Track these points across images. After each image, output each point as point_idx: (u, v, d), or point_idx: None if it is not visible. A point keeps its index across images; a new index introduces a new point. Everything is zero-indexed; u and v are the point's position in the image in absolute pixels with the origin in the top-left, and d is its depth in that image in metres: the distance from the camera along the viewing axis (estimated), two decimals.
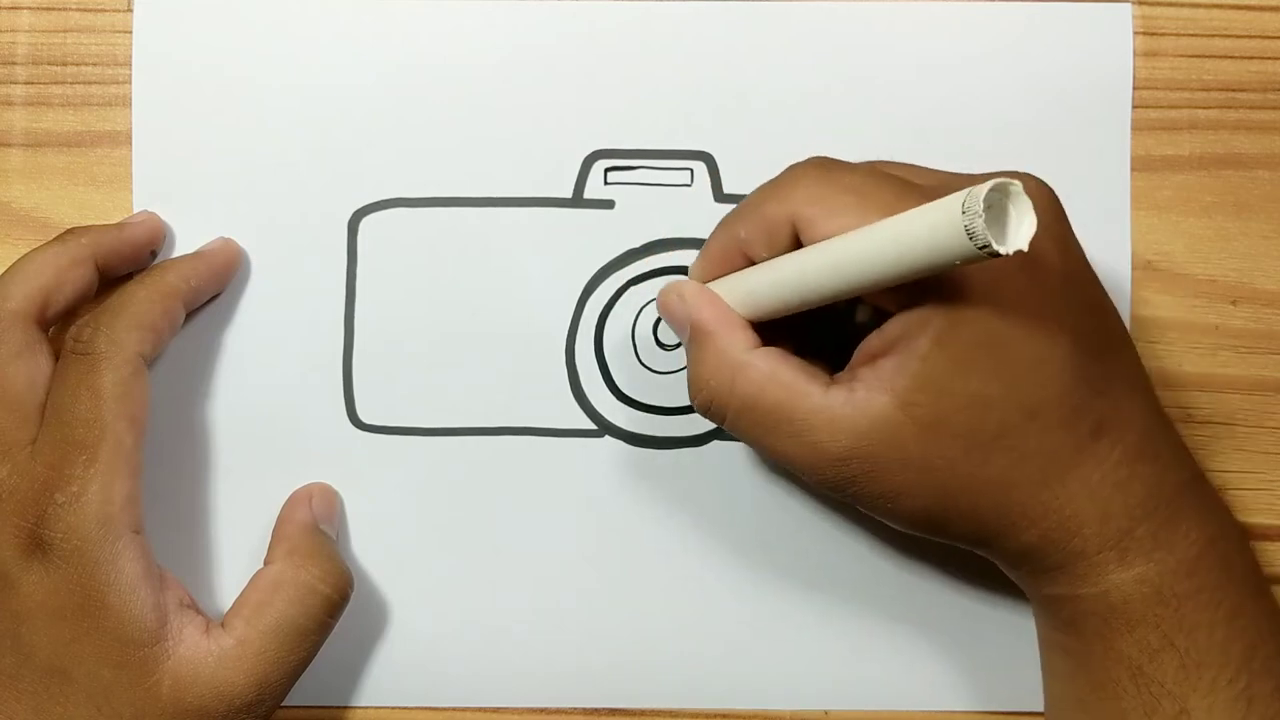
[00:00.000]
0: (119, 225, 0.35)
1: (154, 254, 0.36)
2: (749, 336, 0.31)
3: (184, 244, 0.37)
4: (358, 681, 0.37)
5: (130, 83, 0.37)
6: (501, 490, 0.37)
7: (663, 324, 0.37)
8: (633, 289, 0.37)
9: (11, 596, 0.31)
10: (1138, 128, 0.37)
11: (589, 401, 0.37)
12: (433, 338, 0.37)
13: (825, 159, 0.31)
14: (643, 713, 0.37)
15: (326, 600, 0.33)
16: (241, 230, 0.37)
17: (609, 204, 0.37)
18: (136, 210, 0.36)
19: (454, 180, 0.37)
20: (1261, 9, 0.37)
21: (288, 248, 0.37)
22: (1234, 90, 0.37)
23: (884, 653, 0.37)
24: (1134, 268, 0.37)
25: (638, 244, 0.37)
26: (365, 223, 0.37)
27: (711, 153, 0.37)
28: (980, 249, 0.23)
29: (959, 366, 0.28)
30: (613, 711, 0.37)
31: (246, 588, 0.33)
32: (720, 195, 0.37)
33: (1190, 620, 0.29)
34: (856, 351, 0.30)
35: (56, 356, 0.33)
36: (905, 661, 0.37)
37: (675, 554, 0.37)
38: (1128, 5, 0.37)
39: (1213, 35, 0.37)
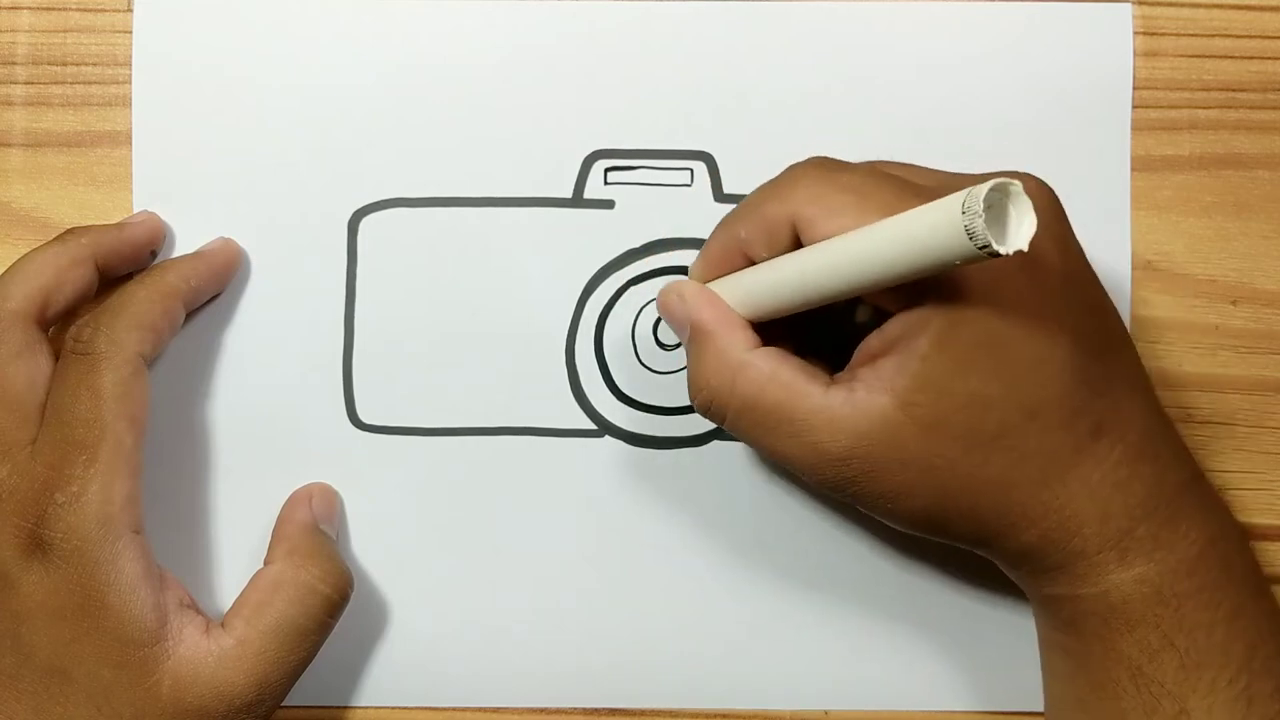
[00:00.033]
0: (119, 225, 0.35)
1: (154, 254, 0.36)
2: (749, 336, 0.31)
3: (184, 244, 0.37)
4: (358, 681, 0.37)
5: (130, 83, 0.37)
6: (501, 490, 0.37)
7: (663, 324, 0.37)
8: (633, 289, 0.37)
9: (11, 596, 0.31)
10: (1138, 128, 0.37)
11: (589, 401, 0.37)
12: (433, 338, 0.37)
13: (825, 159, 0.31)
14: (643, 713, 0.37)
15: (326, 600, 0.33)
16: (241, 230, 0.37)
17: (609, 204, 0.37)
18: (136, 210, 0.37)
19: (454, 180, 0.37)
20: (1261, 9, 0.37)
21: (288, 248, 0.37)
22: (1234, 90, 0.37)
23: (884, 653, 0.37)
24: (1134, 268, 0.37)
25: (638, 244, 0.37)
26: (365, 223, 0.37)
27: (711, 153, 0.37)
28: (980, 249, 0.23)
29: (959, 367, 0.28)
30: (613, 711, 0.37)
31: (246, 588, 0.33)
32: (720, 195, 0.37)
33: (1190, 620, 0.29)
34: (856, 351, 0.30)
35: (56, 356, 0.33)
36: (905, 661, 0.37)
37: (675, 554, 0.37)
38: (1128, 5, 0.37)
39: (1213, 35, 0.37)
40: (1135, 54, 0.37)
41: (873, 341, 0.29)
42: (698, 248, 0.34)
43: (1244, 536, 0.32)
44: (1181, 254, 0.37)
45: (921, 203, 0.26)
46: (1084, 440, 0.29)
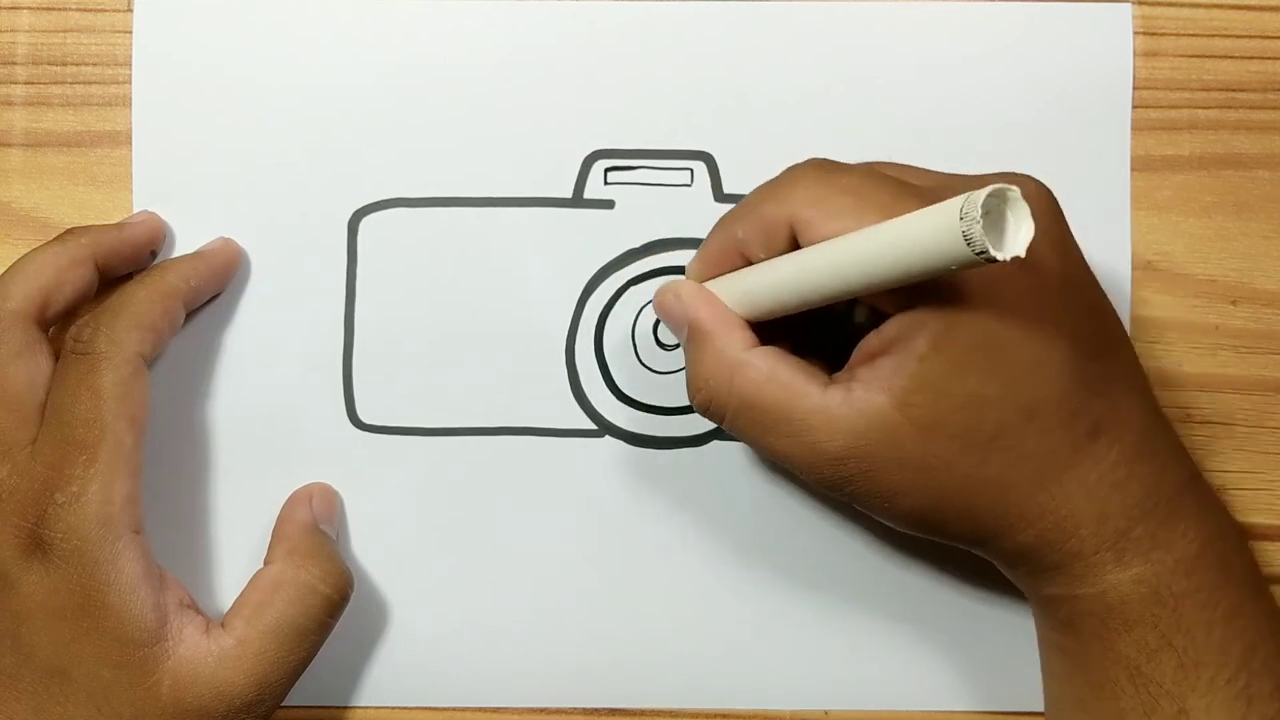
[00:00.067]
0: (119, 225, 0.35)
1: (154, 254, 0.36)
2: (747, 336, 0.31)
3: (184, 244, 0.37)
4: (358, 681, 0.37)
5: (130, 83, 0.37)
6: (501, 490, 0.37)
7: (663, 324, 0.37)
8: (633, 289, 0.37)
9: (11, 596, 0.31)
10: (1138, 128, 0.37)
11: (589, 401, 0.37)
12: (433, 338, 0.37)
13: (824, 160, 0.31)
14: (643, 713, 0.37)
15: (326, 600, 0.33)
16: (241, 230, 0.37)
17: (609, 204, 0.37)
18: (136, 210, 0.37)
19: (454, 180, 0.37)
20: (1261, 9, 0.37)
21: (288, 248, 0.37)
22: (1234, 90, 0.37)
23: (884, 653, 0.37)
24: (1134, 268, 0.37)
25: (638, 244, 0.37)
26: (365, 223, 0.37)
27: (711, 153, 0.37)
28: (978, 255, 0.23)
29: (956, 368, 0.28)
30: (613, 711, 0.37)
31: (246, 588, 0.33)
32: (720, 195, 0.37)
33: (1188, 620, 0.29)
34: (855, 351, 0.30)
35: (56, 356, 0.33)
36: (905, 661, 0.37)
37: (675, 554, 0.37)
38: (1128, 5, 0.37)
39: (1213, 35, 0.37)
40: (1135, 54, 0.37)
41: (871, 341, 0.29)
42: (698, 248, 0.34)
43: (1242, 536, 0.32)
44: (1181, 254, 0.37)
45: (920, 204, 0.26)
46: (1081, 441, 0.29)
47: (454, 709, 0.37)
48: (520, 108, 0.37)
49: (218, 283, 0.36)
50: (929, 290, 0.28)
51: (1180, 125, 0.37)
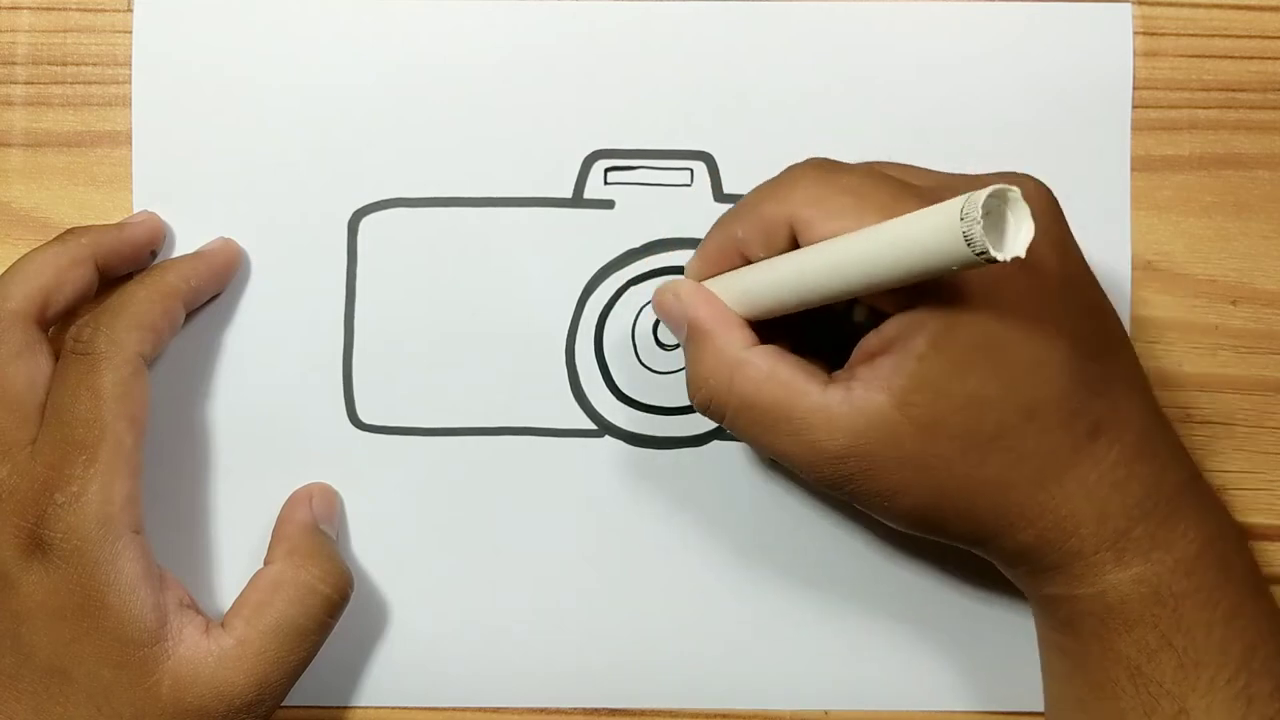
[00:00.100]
0: (119, 225, 0.35)
1: (154, 254, 0.36)
2: (746, 335, 0.31)
3: (184, 244, 0.37)
4: (358, 681, 0.37)
5: (130, 83, 0.37)
6: (501, 490, 0.37)
7: (663, 324, 0.37)
8: (633, 289, 0.37)
9: (11, 596, 0.31)
10: (1138, 128, 0.37)
11: (589, 401, 0.37)
12: (433, 338, 0.37)
13: (824, 160, 0.31)
14: (643, 713, 0.37)
15: (326, 600, 0.33)
16: (241, 230, 0.37)
17: (609, 204, 0.37)
18: (136, 210, 0.37)
19: (454, 180, 0.37)
20: (1261, 9, 0.37)
21: (288, 248, 0.37)
22: (1234, 90, 0.37)
23: (884, 653, 0.37)
24: (1134, 268, 0.37)
25: (638, 244, 0.37)
26: (365, 223, 0.37)
27: (711, 153, 0.37)
28: (978, 255, 0.23)
29: (956, 367, 0.28)
30: (613, 711, 0.37)
31: (246, 588, 0.33)
32: (720, 195, 0.37)
33: (1188, 620, 0.29)
34: (855, 350, 0.30)
35: (56, 356, 0.33)
36: (905, 661, 0.37)
37: (675, 554, 0.37)
38: (1128, 5, 0.37)
39: (1213, 35, 0.37)
40: (1135, 54, 0.37)
41: (871, 340, 0.29)
42: (697, 247, 0.34)
43: (1242, 536, 0.32)
44: (1181, 254, 0.37)
45: (920, 204, 0.26)
46: (1081, 441, 0.29)
47: (454, 709, 0.37)
48: (520, 108, 0.37)
49: (218, 283, 0.36)
50: (929, 290, 0.28)
51: (1180, 125, 0.37)
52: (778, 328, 0.31)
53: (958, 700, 0.37)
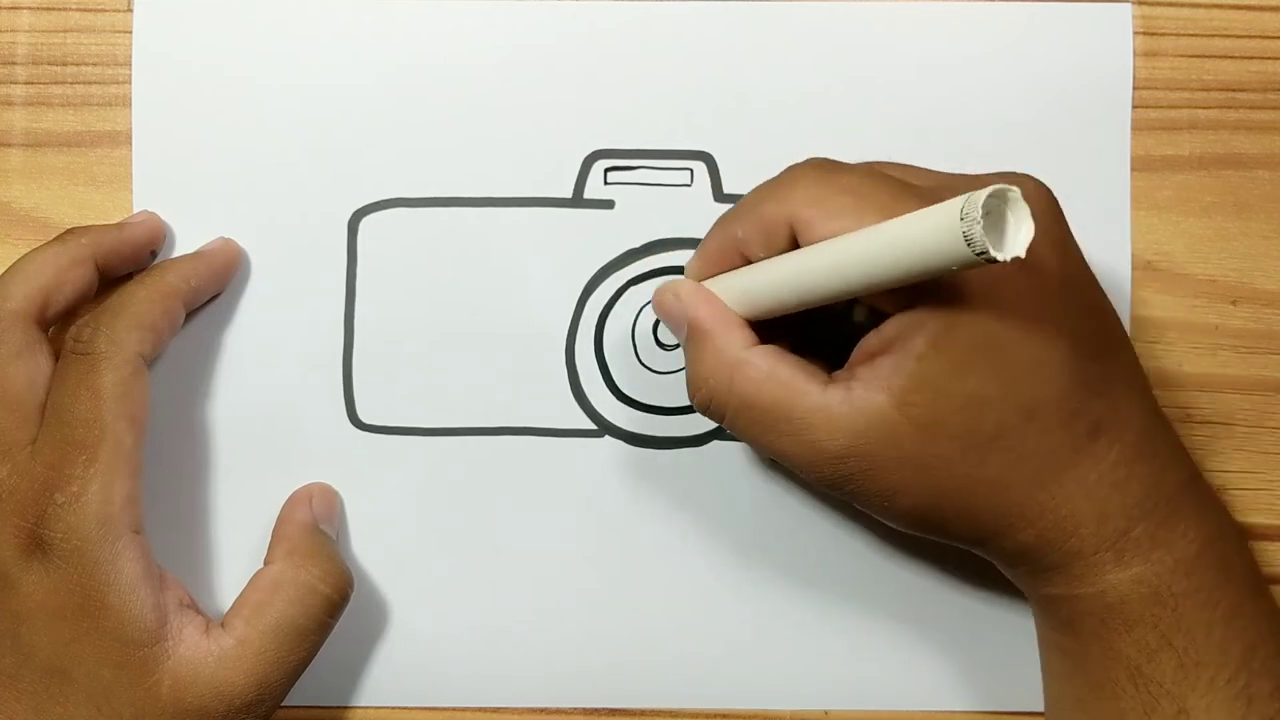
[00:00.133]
0: (119, 225, 0.35)
1: (154, 254, 0.36)
2: (746, 335, 0.31)
3: (184, 244, 0.37)
4: (358, 681, 0.37)
5: (130, 83, 0.37)
6: (501, 490, 0.37)
7: (663, 324, 0.37)
8: (633, 289, 0.37)
9: (11, 596, 0.31)
10: (1138, 128, 0.37)
11: (589, 401, 0.37)
12: (433, 338, 0.37)
13: (824, 160, 0.31)
14: (643, 713, 0.37)
15: (326, 600, 0.33)
16: (241, 230, 0.37)
17: (609, 204, 0.37)
18: (136, 210, 0.37)
19: (454, 180, 0.37)
20: (1261, 9, 0.37)
21: (288, 248, 0.37)
22: (1234, 90, 0.37)
23: (884, 653, 0.37)
24: (1134, 268, 0.37)
25: (638, 244, 0.37)
26: (365, 223, 0.37)
27: (711, 153, 0.37)
28: (978, 255, 0.23)
29: (956, 368, 0.28)
30: (613, 711, 0.37)
31: (246, 588, 0.33)
32: (720, 195, 0.37)
33: (1188, 620, 0.29)
34: (855, 350, 0.30)
35: (56, 356, 0.33)
36: (905, 661, 0.37)
37: (675, 554, 0.37)
38: (1128, 5, 0.37)
39: (1213, 35, 0.37)
40: (1135, 54, 0.37)
41: (871, 340, 0.29)
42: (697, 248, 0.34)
43: (1242, 536, 0.32)
44: (1181, 254, 0.37)
45: (919, 204, 0.26)
46: (1081, 441, 0.29)
47: (454, 709, 0.37)
48: (520, 108, 0.37)
49: (218, 283, 0.36)
50: (928, 290, 0.28)
51: (1180, 125, 0.37)
52: (778, 327, 0.31)
53: (958, 700, 0.37)
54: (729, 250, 0.32)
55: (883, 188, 0.29)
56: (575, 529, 0.37)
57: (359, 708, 0.37)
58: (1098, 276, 0.31)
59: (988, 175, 0.30)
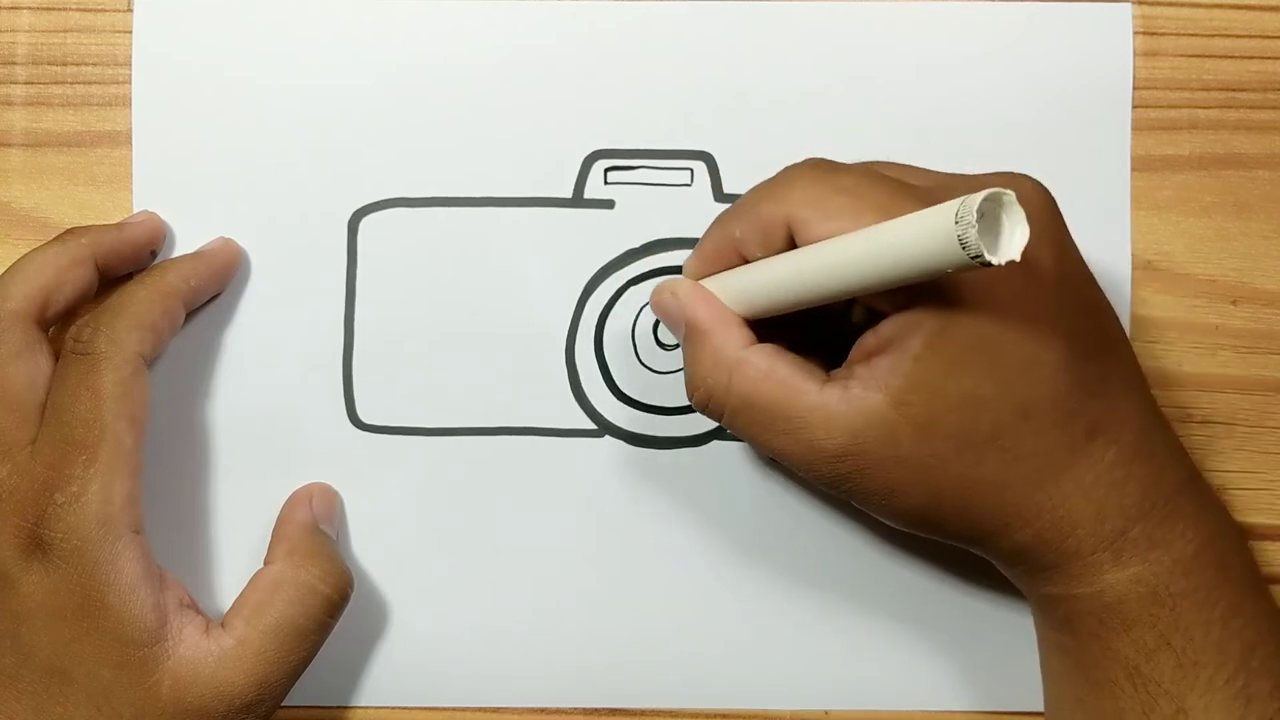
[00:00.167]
0: (119, 225, 0.35)
1: (154, 254, 0.36)
2: (744, 334, 0.31)
3: (184, 244, 0.37)
4: (358, 681, 0.37)
5: (130, 83, 0.37)
6: (501, 490, 0.37)
7: (663, 324, 0.37)
8: (633, 289, 0.37)
9: (11, 596, 0.31)
10: (1138, 128, 0.37)
11: (589, 401, 0.37)
12: (433, 338, 0.37)
13: (821, 161, 0.31)
14: (643, 713, 0.37)
15: (326, 600, 0.33)
16: (241, 230, 0.37)
17: (609, 204, 0.37)
18: (136, 210, 0.37)
19: (454, 180, 0.37)
20: (1261, 9, 0.37)
21: (288, 248, 0.37)
22: (1234, 90, 0.37)
23: (884, 653, 0.37)
24: (1134, 268, 0.37)
25: (638, 244, 0.37)
26: (365, 223, 0.37)
27: (711, 153, 0.37)
28: (973, 259, 0.23)
29: (952, 368, 0.28)
30: (613, 711, 0.37)
31: (246, 588, 0.33)
32: (720, 195, 0.37)
33: (1186, 620, 0.29)
34: (853, 349, 0.30)
35: (56, 356, 0.33)
36: (905, 661, 0.37)
37: (675, 554, 0.37)
38: (1128, 5, 0.37)
39: (1213, 35, 0.37)
40: (1135, 54, 0.37)
41: (868, 340, 0.29)
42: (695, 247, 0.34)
43: (1241, 536, 0.32)
44: (1181, 254, 0.37)
45: (917, 205, 0.26)
46: (1079, 441, 0.29)
47: (454, 709, 0.37)
48: (520, 108, 0.37)
49: (218, 283, 0.36)
50: (925, 290, 0.28)
51: (1180, 125, 0.37)
52: (776, 326, 0.31)
53: (958, 700, 0.37)
54: (726, 249, 0.32)
55: (880, 188, 0.29)
56: (575, 529, 0.37)
57: (359, 708, 0.37)
58: (1098, 276, 0.31)
59: (985, 175, 0.30)
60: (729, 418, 0.31)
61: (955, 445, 0.29)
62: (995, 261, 0.23)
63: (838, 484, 0.30)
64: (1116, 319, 0.31)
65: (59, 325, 0.35)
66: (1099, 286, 0.31)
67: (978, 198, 0.23)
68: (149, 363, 0.33)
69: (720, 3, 0.37)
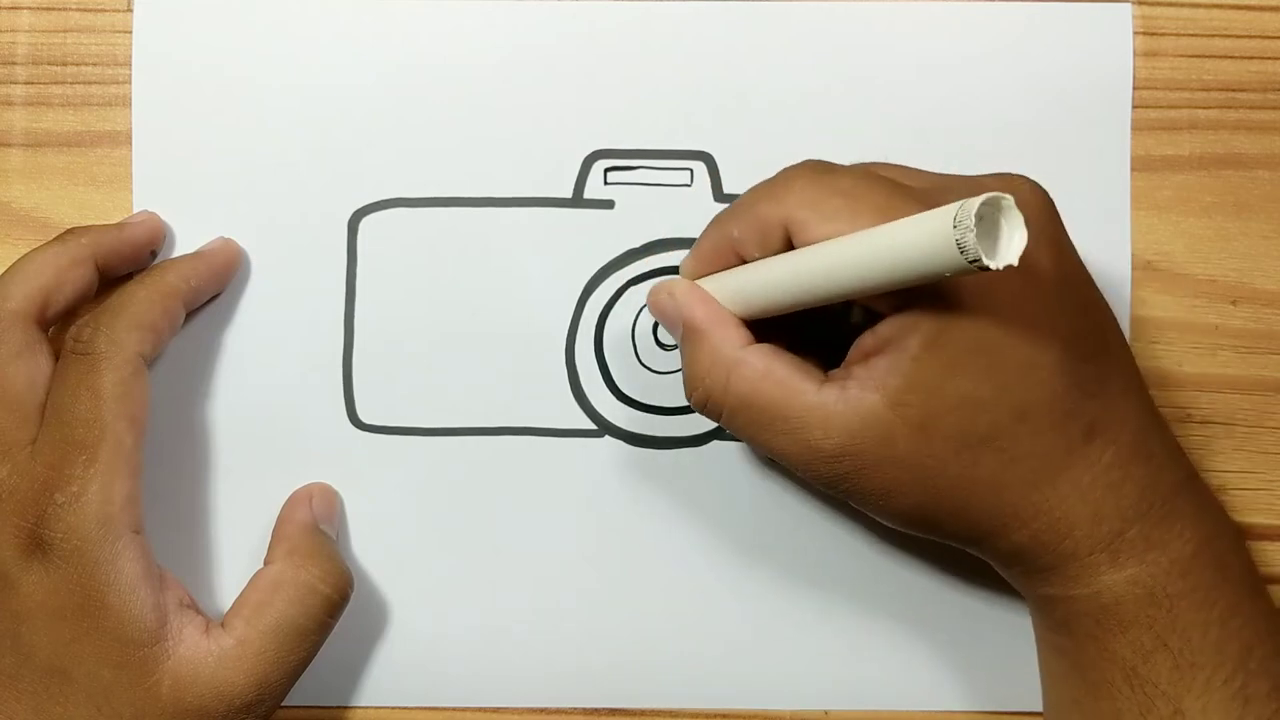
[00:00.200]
0: (119, 225, 0.35)
1: (154, 254, 0.36)
2: (742, 334, 0.31)
3: (184, 244, 0.37)
4: (358, 681, 0.37)
5: (130, 83, 0.37)
6: (501, 490, 0.37)
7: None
8: (633, 289, 0.37)
9: (11, 596, 0.31)
10: (1138, 128, 0.37)
11: (589, 401, 0.37)
12: (433, 338, 0.37)
13: (819, 162, 0.31)
14: (643, 713, 0.37)
15: (326, 600, 0.33)
16: (241, 230, 0.37)
17: (609, 204, 0.37)
18: (136, 210, 0.37)
19: (454, 180, 0.37)
20: (1261, 9, 0.37)
21: (288, 248, 0.37)
22: (1234, 90, 0.37)
23: (884, 653, 0.37)
24: (1134, 268, 0.37)
25: (638, 244, 0.37)
26: (365, 223, 0.37)
27: (711, 153, 0.37)
28: (970, 263, 0.23)
29: (949, 369, 0.28)
30: (613, 711, 0.37)
31: (246, 588, 0.33)
32: (720, 195, 0.37)
33: (1184, 620, 0.29)
34: (851, 349, 0.30)
35: (56, 356, 0.33)
36: (905, 661, 0.37)
37: (675, 554, 0.37)
38: (1128, 5, 0.37)
39: (1213, 35, 0.37)
40: (1135, 54, 0.37)
41: (866, 340, 0.29)
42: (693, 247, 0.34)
43: (1239, 536, 0.32)
44: (1181, 254, 0.37)
45: (914, 206, 0.26)
46: (1076, 442, 0.29)
47: (454, 709, 0.37)
48: (520, 108, 0.37)
49: (218, 283, 0.36)
50: (923, 291, 0.28)
51: (1180, 125, 0.37)
52: (774, 326, 0.31)
53: (958, 700, 0.37)
54: (724, 250, 0.32)
55: (877, 190, 0.29)
56: (575, 529, 0.37)
57: (359, 708, 0.37)
58: (1097, 276, 0.31)
59: (983, 177, 0.30)
60: (727, 417, 0.31)
61: (953, 446, 0.29)
62: (993, 266, 0.23)
63: (835, 484, 0.30)
64: (1114, 320, 0.31)
65: (59, 325, 0.35)
66: (1096, 287, 0.31)
67: (976, 202, 0.23)
68: (149, 363, 0.33)
69: (720, 3, 0.37)
